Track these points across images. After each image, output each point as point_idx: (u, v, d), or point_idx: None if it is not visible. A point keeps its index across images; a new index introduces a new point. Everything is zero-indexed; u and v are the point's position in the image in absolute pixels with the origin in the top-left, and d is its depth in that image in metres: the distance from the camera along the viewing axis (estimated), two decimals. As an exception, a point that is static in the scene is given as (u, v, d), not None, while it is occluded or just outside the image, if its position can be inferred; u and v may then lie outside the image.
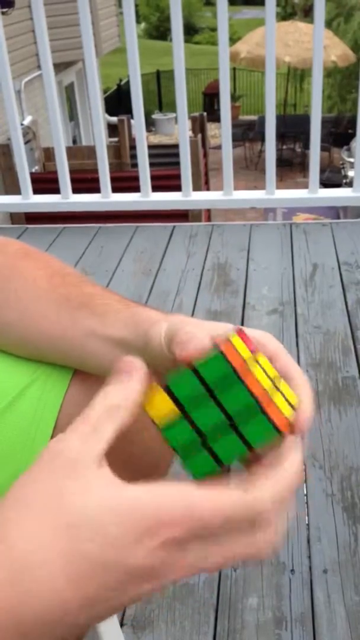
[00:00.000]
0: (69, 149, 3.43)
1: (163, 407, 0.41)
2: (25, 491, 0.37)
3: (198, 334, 0.45)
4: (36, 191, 2.74)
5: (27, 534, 0.36)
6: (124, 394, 0.41)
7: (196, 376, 0.40)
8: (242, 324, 2.13)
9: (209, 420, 0.40)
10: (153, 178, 2.60)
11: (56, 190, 2.69)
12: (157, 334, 0.49)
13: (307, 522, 1.42)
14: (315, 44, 2.30)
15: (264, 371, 0.43)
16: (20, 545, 0.35)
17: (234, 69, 14.37)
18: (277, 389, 0.43)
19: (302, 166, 10.72)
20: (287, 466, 0.39)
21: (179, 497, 0.36)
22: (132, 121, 2.76)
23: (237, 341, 0.43)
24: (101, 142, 2.56)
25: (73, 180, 2.67)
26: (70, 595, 0.35)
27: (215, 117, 5.30)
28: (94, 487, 0.36)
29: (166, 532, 0.36)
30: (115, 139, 7.18)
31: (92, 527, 0.35)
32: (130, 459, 0.51)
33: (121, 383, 0.42)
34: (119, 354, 0.54)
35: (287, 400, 0.43)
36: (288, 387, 0.45)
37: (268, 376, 0.43)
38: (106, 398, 0.41)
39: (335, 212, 6.79)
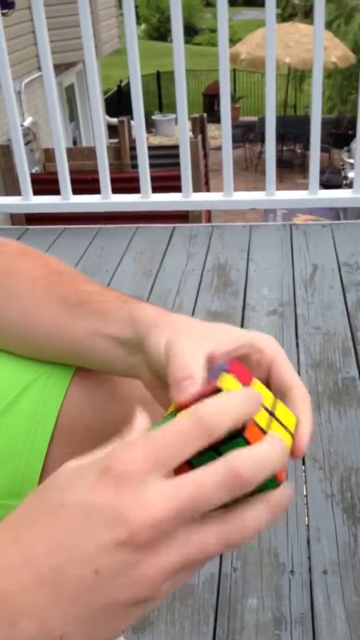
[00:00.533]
0: (69, 150, 3.43)
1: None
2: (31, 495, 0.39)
3: (192, 368, 0.44)
4: (36, 192, 2.74)
5: (38, 531, 0.37)
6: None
7: (216, 452, 0.39)
8: (242, 325, 2.13)
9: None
10: (153, 179, 2.61)
11: (56, 191, 2.69)
12: (155, 350, 0.49)
13: (306, 523, 1.42)
14: (316, 45, 2.31)
15: (262, 404, 0.42)
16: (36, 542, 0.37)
17: (234, 70, 14.37)
18: (274, 416, 0.42)
19: (302, 167, 10.72)
20: (265, 441, 0.40)
21: (129, 440, 0.39)
22: (132, 122, 2.76)
23: (229, 382, 0.42)
24: (101, 143, 2.56)
25: (73, 181, 2.67)
26: (33, 536, 0.36)
27: (215, 118, 5.30)
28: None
29: (117, 467, 0.37)
30: (116, 140, 7.18)
31: (54, 482, 0.38)
32: None
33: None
34: (118, 352, 0.54)
35: (284, 426, 0.43)
36: (285, 409, 0.44)
37: (264, 407, 0.42)
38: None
39: (336, 213, 6.79)
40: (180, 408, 0.42)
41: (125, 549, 0.35)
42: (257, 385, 0.44)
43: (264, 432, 0.41)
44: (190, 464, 0.39)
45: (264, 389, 0.44)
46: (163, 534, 0.35)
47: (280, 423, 0.43)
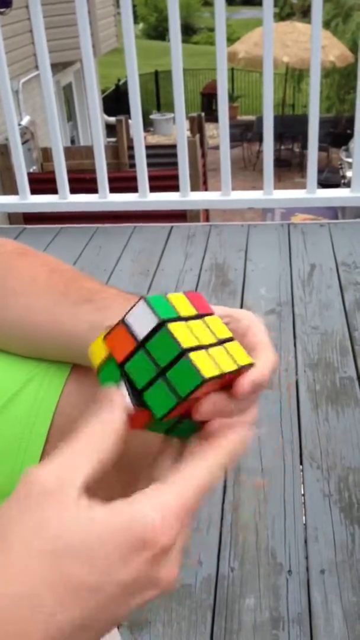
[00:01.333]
0: (66, 149, 3.43)
1: (99, 352, 0.42)
2: (4, 529, 0.36)
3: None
4: (34, 191, 2.74)
5: (11, 563, 0.35)
6: (105, 426, 0.40)
7: (127, 327, 0.41)
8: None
9: (144, 372, 0.40)
10: (151, 178, 2.60)
11: (54, 191, 2.69)
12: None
13: (304, 523, 1.42)
14: (314, 44, 2.31)
15: (210, 329, 0.43)
16: (6, 576, 0.35)
17: (232, 69, 14.38)
18: (223, 346, 0.42)
19: (300, 166, 10.73)
20: (187, 474, 0.39)
21: (156, 501, 0.37)
22: (130, 121, 2.76)
23: (180, 299, 0.43)
24: (99, 142, 2.56)
25: (71, 181, 2.66)
26: (62, 622, 0.34)
27: (213, 117, 5.30)
28: (73, 513, 0.36)
29: (158, 542, 0.36)
30: (113, 139, 7.19)
31: (75, 550, 0.35)
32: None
33: (102, 413, 0.41)
34: None
35: (232, 357, 0.42)
36: (241, 349, 0.44)
37: (214, 334, 0.43)
38: (87, 428, 0.40)
39: (334, 212, 6.79)
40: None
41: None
42: (214, 320, 0.44)
43: (197, 340, 0.41)
44: (141, 395, 0.40)
45: (220, 325, 0.45)
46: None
47: (227, 352, 0.42)
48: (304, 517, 1.43)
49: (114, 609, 0.36)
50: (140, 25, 28.67)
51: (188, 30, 27.00)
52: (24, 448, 0.57)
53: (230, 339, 0.44)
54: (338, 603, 1.24)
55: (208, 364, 0.40)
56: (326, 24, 12.47)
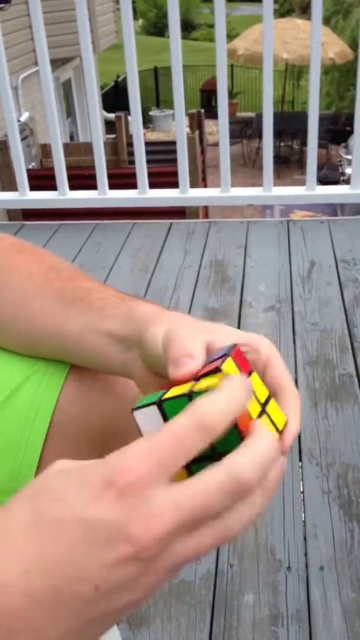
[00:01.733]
0: (66, 146, 3.42)
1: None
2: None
3: (192, 349, 0.45)
4: (33, 188, 2.73)
5: (3, 512, 0.37)
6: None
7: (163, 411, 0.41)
8: (239, 321, 2.13)
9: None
10: (150, 175, 2.60)
11: (53, 187, 2.68)
12: (153, 338, 0.49)
13: (303, 519, 1.42)
14: (313, 41, 2.30)
15: (255, 396, 0.43)
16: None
17: (231, 66, 14.35)
18: (265, 412, 0.43)
19: (300, 163, 10.73)
20: (259, 437, 0.39)
21: (126, 448, 0.36)
22: (129, 118, 2.76)
23: (230, 367, 0.43)
24: (98, 138, 2.55)
25: (70, 177, 2.66)
26: (29, 554, 0.34)
27: (212, 114, 5.29)
28: (62, 469, 0.37)
29: (120, 479, 0.34)
30: (113, 136, 7.18)
31: (47, 490, 0.36)
32: None
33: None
34: (115, 349, 0.54)
35: (273, 423, 0.43)
36: (276, 407, 0.45)
37: (258, 400, 0.43)
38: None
39: (333, 209, 6.79)
40: (175, 385, 0.42)
41: (127, 565, 0.34)
42: (254, 378, 0.45)
43: (253, 421, 0.41)
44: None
45: (259, 383, 0.45)
46: (166, 545, 0.35)
47: (270, 419, 0.43)
48: (303, 514, 1.43)
49: (82, 552, 0.34)
50: (140, 21, 28.62)
51: (187, 27, 26.96)
52: (23, 444, 0.57)
53: (268, 398, 0.44)
54: (337, 599, 1.24)
55: None
56: (326, 21, 12.43)
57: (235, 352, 0.44)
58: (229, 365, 0.42)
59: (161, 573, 0.36)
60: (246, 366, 0.44)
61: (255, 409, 0.42)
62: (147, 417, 0.41)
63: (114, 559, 0.34)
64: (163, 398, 0.41)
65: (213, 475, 0.36)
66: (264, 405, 0.43)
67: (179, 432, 0.36)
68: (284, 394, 0.47)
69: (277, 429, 0.43)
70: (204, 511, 0.35)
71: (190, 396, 0.40)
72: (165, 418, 0.40)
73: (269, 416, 0.43)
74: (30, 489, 0.37)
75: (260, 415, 0.42)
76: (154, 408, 0.41)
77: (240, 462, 0.36)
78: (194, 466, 0.38)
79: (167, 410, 0.41)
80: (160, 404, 0.41)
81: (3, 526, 0.36)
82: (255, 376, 0.45)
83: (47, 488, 0.36)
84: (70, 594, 0.34)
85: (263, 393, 0.44)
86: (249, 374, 0.44)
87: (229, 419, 0.37)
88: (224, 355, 0.43)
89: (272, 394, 0.46)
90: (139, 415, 0.42)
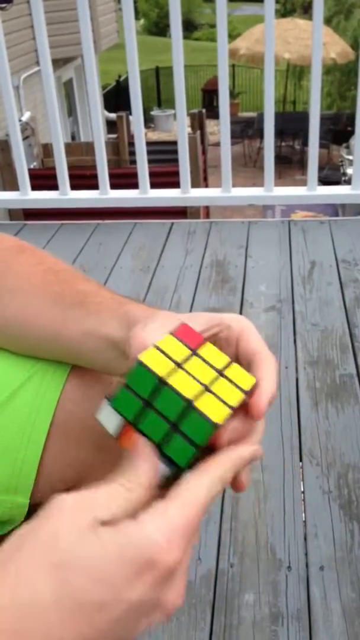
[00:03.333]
0: (67, 145, 3.42)
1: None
2: (25, 531, 0.37)
3: (147, 341, 0.46)
4: (34, 187, 2.73)
5: (21, 572, 0.35)
6: (139, 481, 0.41)
7: (130, 391, 0.42)
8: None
9: (157, 429, 0.41)
10: (151, 175, 2.60)
11: (54, 187, 2.68)
12: (137, 338, 0.50)
13: (303, 519, 1.42)
14: (315, 41, 2.30)
15: (207, 363, 0.44)
16: (15, 584, 0.35)
17: (233, 66, 14.34)
18: (224, 376, 0.44)
19: (301, 164, 10.72)
20: (185, 498, 0.40)
21: (162, 520, 0.37)
22: (130, 117, 2.76)
23: (170, 342, 0.44)
24: (100, 138, 2.55)
25: (71, 177, 2.66)
26: (64, 635, 0.34)
27: (214, 113, 5.28)
28: (84, 530, 0.36)
29: (165, 562, 0.36)
30: (114, 136, 7.16)
31: (82, 566, 0.35)
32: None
33: (138, 466, 0.41)
34: (114, 353, 0.54)
35: (236, 385, 0.44)
36: (241, 370, 0.46)
37: (212, 366, 0.44)
38: (123, 478, 0.41)
39: (334, 209, 6.79)
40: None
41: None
42: (208, 348, 0.46)
43: (199, 384, 0.42)
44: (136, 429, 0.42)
45: (215, 352, 0.46)
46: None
47: (230, 381, 0.44)
48: (303, 514, 1.43)
49: (119, 629, 0.36)
50: (141, 21, 28.61)
51: (189, 27, 26.95)
52: (25, 443, 0.57)
53: (228, 364, 0.45)
54: (337, 599, 1.24)
55: (216, 407, 0.42)
56: (327, 21, 12.44)
57: (179, 330, 0.46)
58: (167, 341, 0.44)
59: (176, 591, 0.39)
60: (196, 339, 0.46)
61: (206, 374, 0.43)
62: (107, 417, 0.43)
63: (147, 624, 0.37)
64: (110, 396, 0.43)
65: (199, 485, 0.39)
66: (221, 370, 0.44)
67: (202, 509, 0.39)
68: (257, 359, 0.47)
69: (242, 390, 0.44)
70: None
71: (127, 386, 0.42)
72: (120, 413, 0.42)
73: (228, 379, 0.44)
74: (53, 553, 0.35)
75: (214, 380, 0.43)
76: (107, 406, 0.43)
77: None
78: (165, 448, 0.41)
79: (117, 405, 0.42)
80: (109, 398, 0.43)
81: (27, 602, 0.34)
82: (209, 345, 0.46)
83: (81, 564, 0.35)
84: None
85: (220, 360, 0.45)
86: (201, 343, 0.46)
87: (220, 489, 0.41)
88: (167, 334, 0.45)
89: (247, 363, 0.47)
90: (101, 418, 0.43)
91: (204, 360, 0.44)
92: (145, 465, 0.41)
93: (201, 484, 0.39)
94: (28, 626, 0.34)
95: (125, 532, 0.36)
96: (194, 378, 0.42)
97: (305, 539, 1.37)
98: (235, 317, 0.50)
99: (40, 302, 0.59)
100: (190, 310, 2.22)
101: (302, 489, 1.49)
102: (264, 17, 2.28)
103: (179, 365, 0.43)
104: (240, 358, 0.48)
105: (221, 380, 0.44)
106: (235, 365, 0.46)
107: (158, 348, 0.43)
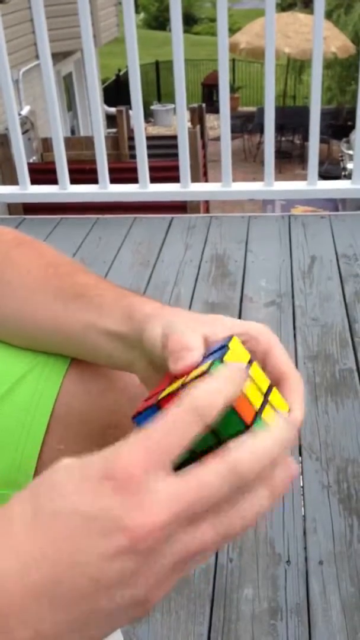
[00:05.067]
0: (67, 140, 3.42)
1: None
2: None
3: (190, 343, 0.45)
4: (34, 181, 2.73)
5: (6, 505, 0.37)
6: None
7: (213, 433, 0.40)
8: (240, 316, 2.13)
9: (203, 442, 0.39)
10: (151, 169, 2.60)
11: (54, 181, 2.68)
12: (152, 336, 0.49)
13: (303, 514, 1.42)
14: (315, 35, 2.29)
15: (256, 385, 0.43)
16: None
17: (233, 60, 14.30)
18: (268, 402, 0.43)
19: (301, 158, 10.70)
20: (265, 432, 0.38)
21: (127, 440, 0.36)
22: (130, 112, 2.75)
23: (233, 358, 0.43)
24: (99, 132, 2.55)
25: (71, 171, 2.66)
26: (26, 545, 0.34)
27: (214, 108, 5.28)
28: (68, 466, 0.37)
29: (118, 471, 0.34)
30: (114, 130, 7.15)
31: (47, 484, 0.36)
32: None
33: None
34: (115, 346, 0.54)
35: (277, 411, 0.43)
36: (279, 396, 0.45)
37: (259, 389, 0.43)
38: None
39: (334, 204, 6.77)
40: (176, 378, 0.43)
41: (125, 556, 0.34)
42: (254, 367, 0.45)
43: (254, 408, 0.41)
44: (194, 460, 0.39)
45: (260, 373, 0.45)
46: (164, 537, 0.34)
47: (274, 409, 0.43)
48: (302, 509, 1.43)
49: (79, 547, 0.34)
50: (141, 15, 28.52)
51: (189, 21, 26.86)
52: (24, 436, 0.57)
53: (270, 388, 0.44)
54: (336, 593, 1.25)
55: None
56: (328, 15, 12.39)
57: (232, 344, 0.44)
58: (230, 357, 0.42)
59: (161, 569, 0.35)
60: (245, 356, 0.45)
61: (257, 398, 0.42)
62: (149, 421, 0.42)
63: (111, 549, 0.34)
64: (159, 399, 0.41)
65: (211, 467, 0.35)
66: (265, 395, 0.43)
67: (171, 418, 0.36)
68: (286, 381, 0.47)
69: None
70: (202, 502, 0.35)
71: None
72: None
73: (272, 406, 0.43)
74: (31, 486, 0.37)
75: (263, 405, 0.42)
76: (154, 410, 0.41)
77: (240, 453, 0.36)
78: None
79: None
80: (159, 405, 0.41)
81: (3, 524, 0.36)
82: (255, 366, 0.45)
83: (46, 484, 0.36)
84: (68, 586, 0.34)
85: (264, 383, 0.44)
86: (249, 363, 0.44)
87: (221, 401, 0.37)
88: (223, 347, 0.43)
89: (274, 382, 0.46)
90: (140, 422, 0.42)
91: (254, 382, 0.43)
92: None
93: (188, 407, 0.37)
94: None
95: (89, 457, 0.36)
96: (249, 400, 0.41)
97: (304, 533, 1.38)
98: (262, 330, 0.49)
99: (41, 295, 0.59)
100: (190, 305, 2.21)
101: (301, 484, 1.49)
102: (264, 11, 2.27)
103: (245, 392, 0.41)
104: (268, 373, 0.47)
105: (268, 408, 0.42)
106: (275, 391, 0.45)
107: (244, 396, 0.41)
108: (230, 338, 0.45)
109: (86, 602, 0.34)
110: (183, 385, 0.42)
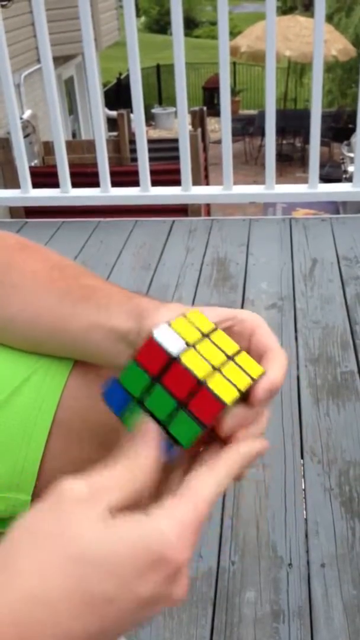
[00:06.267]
0: (68, 143, 3.42)
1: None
2: (33, 521, 0.37)
3: (160, 318, 0.46)
4: (35, 185, 2.73)
5: (33, 564, 0.35)
6: (143, 460, 0.41)
7: (140, 366, 0.42)
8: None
9: (163, 406, 0.41)
10: (152, 172, 2.60)
11: (55, 185, 2.68)
12: (148, 329, 0.49)
13: (305, 517, 1.42)
14: (316, 38, 2.30)
15: (218, 347, 0.44)
16: (26, 577, 0.35)
17: (234, 63, 14.32)
18: (234, 361, 0.44)
19: (302, 161, 10.71)
20: (235, 450, 0.41)
21: (174, 519, 0.37)
22: (131, 115, 2.75)
23: (182, 323, 0.44)
24: (101, 136, 2.55)
25: (72, 174, 2.66)
26: (75, 630, 0.35)
27: (215, 111, 5.27)
28: (98, 525, 0.36)
29: (176, 560, 0.36)
30: (115, 133, 7.15)
31: (95, 561, 0.35)
32: None
33: (139, 447, 0.42)
34: (122, 346, 0.54)
35: (245, 371, 0.44)
36: (251, 360, 0.45)
37: (223, 351, 0.44)
38: (127, 459, 0.41)
39: (335, 207, 6.78)
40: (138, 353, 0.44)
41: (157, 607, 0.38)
42: (219, 334, 0.46)
43: (213, 366, 0.42)
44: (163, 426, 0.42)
45: (226, 339, 0.46)
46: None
47: (239, 367, 0.44)
48: (304, 511, 1.43)
49: (126, 621, 0.36)
50: (142, 19, 28.57)
51: (190, 24, 26.88)
52: (27, 440, 0.57)
53: (238, 352, 0.45)
54: (338, 596, 1.25)
55: (225, 388, 0.41)
56: (329, 18, 12.41)
57: (191, 314, 0.46)
58: (179, 322, 0.44)
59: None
60: (208, 325, 0.46)
61: (216, 357, 0.43)
62: (114, 395, 0.43)
63: (152, 614, 0.38)
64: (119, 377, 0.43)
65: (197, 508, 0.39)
66: (231, 356, 0.44)
67: (210, 505, 0.39)
68: (268, 355, 0.47)
69: (250, 377, 0.44)
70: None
71: (136, 361, 0.42)
72: (128, 392, 0.43)
73: (237, 364, 0.44)
74: (66, 547, 0.36)
75: (225, 364, 0.43)
76: (116, 385, 0.43)
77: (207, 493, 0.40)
78: (171, 426, 0.41)
79: (124, 381, 0.43)
80: (118, 381, 0.43)
81: (38, 594, 0.35)
82: (220, 332, 0.46)
83: (94, 559, 0.36)
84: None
85: (231, 347, 0.45)
86: (213, 329, 0.46)
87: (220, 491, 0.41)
88: (180, 315, 0.45)
89: (258, 358, 0.47)
90: (106, 397, 0.44)
91: (214, 344, 0.44)
92: (148, 449, 0.41)
93: (211, 480, 0.40)
94: (38, 618, 0.34)
95: (138, 526, 0.37)
96: (205, 359, 0.42)
97: (306, 536, 1.38)
98: (249, 313, 0.50)
99: (47, 298, 0.59)
100: (192, 308, 2.21)
101: (303, 486, 1.49)
102: (265, 15, 2.28)
103: (190, 345, 0.42)
104: (252, 353, 0.48)
105: (231, 364, 0.44)
106: (245, 354, 0.46)
107: (171, 327, 0.43)
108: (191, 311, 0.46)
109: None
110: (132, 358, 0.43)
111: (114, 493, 0.38)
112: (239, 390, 0.42)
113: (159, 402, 0.41)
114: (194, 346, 0.42)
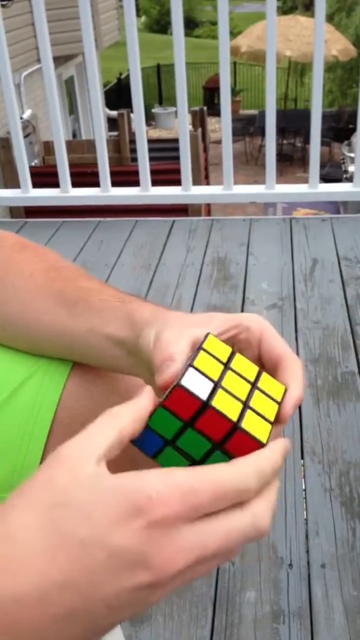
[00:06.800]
0: (68, 143, 3.42)
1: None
2: (26, 482, 0.38)
3: (173, 351, 0.45)
4: (36, 185, 2.73)
5: (15, 509, 0.36)
6: (130, 408, 0.41)
7: (154, 432, 0.41)
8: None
9: (197, 445, 0.41)
10: (153, 172, 2.60)
11: (56, 184, 2.68)
12: (145, 343, 0.49)
13: (305, 517, 1.42)
14: (316, 38, 2.30)
15: (241, 376, 0.44)
16: (5, 518, 0.36)
17: (234, 63, 14.32)
18: (258, 389, 0.44)
19: (303, 161, 10.70)
20: (267, 448, 0.40)
21: (165, 477, 0.36)
22: (132, 115, 2.75)
23: (204, 360, 0.43)
24: (101, 136, 2.55)
25: (73, 174, 2.66)
26: (49, 571, 0.35)
27: (215, 111, 5.28)
28: (84, 473, 0.37)
29: (154, 511, 0.35)
30: (115, 133, 7.16)
31: (72, 505, 0.36)
32: None
33: (131, 402, 0.41)
34: (120, 351, 0.54)
35: (268, 395, 0.44)
36: (271, 380, 0.45)
37: (246, 379, 0.43)
38: (113, 409, 0.41)
39: (336, 207, 6.78)
40: (163, 389, 0.43)
41: (144, 590, 0.36)
42: (238, 358, 0.45)
43: (242, 402, 0.42)
44: (153, 456, 0.41)
45: (245, 363, 0.45)
46: (182, 575, 0.36)
47: (264, 393, 0.44)
48: (304, 512, 1.43)
49: (101, 577, 0.35)
50: (143, 19, 28.57)
51: (190, 24, 26.88)
52: (26, 441, 0.57)
53: (259, 374, 0.45)
54: (339, 597, 1.24)
55: (259, 425, 0.41)
56: (329, 18, 12.42)
57: (208, 342, 0.45)
58: (201, 359, 0.43)
59: (168, 592, 0.37)
60: (224, 352, 0.45)
61: (242, 390, 0.43)
62: (144, 439, 0.42)
63: (132, 585, 0.35)
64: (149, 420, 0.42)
65: (239, 522, 0.37)
66: (254, 382, 0.44)
67: (220, 488, 0.37)
68: (282, 363, 0.47)
69: (274, 400, 0.44)
70: (223, 550, 0.37)
71: (162, 406, 0.41)
72: (156, 433, 0.41)
73: (262, 391, 0.44)
74: (51, 494, 0.36)
75: (251, 394, 0.43)
76: (146, 429, 0.42)
77: (263, 511, 0.38)
78: (205, 463, 0.40)
79: (154, 426, 0.42)
80: (148, 426, 0.42)
81: (16, 534, 0.35)
82: (238, 357, 0.45)
83: (72, 502, 0.36)
84: (83, 612, 0.35)
85: (251, 371, 0.45)
86: (232, 356, 0.45)
87: (261, 480, 0.39)
88: (198, 349, 0.44)
89: (272, 366, 0.47)
90: (136, 441, 0.42)
91: (236, 373, 0.44)
92: (143, 400, 0.41)
93: (232, 468, 0.38)
94: (14, 554, 0.35)
95: (123, 476, 0.36)
96: (233, 396, 0.42)
97: (306, 536, 1.37)
98: (253, 318, 0.49)
99: (43, 299, 0.59)
100: (192, 308, 2.21)
101: (303, 487, 1.49)
102: (265, 14, 2.27)
103: (216, 382, 0.42)
104: (264, 361, 0.48)
105: (257, 393, 0.43)
106: (265, 375, 0.45)
107: (196, 369, 0.42)
108: (205, 337, 0.45)
109: (96, 623, 0.36)
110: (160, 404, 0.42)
111: (99, 445, 0.38)
112: (269, 422, 0.42)
113: (193, 443, 0.41)
114: (221, 385, 0.42)
